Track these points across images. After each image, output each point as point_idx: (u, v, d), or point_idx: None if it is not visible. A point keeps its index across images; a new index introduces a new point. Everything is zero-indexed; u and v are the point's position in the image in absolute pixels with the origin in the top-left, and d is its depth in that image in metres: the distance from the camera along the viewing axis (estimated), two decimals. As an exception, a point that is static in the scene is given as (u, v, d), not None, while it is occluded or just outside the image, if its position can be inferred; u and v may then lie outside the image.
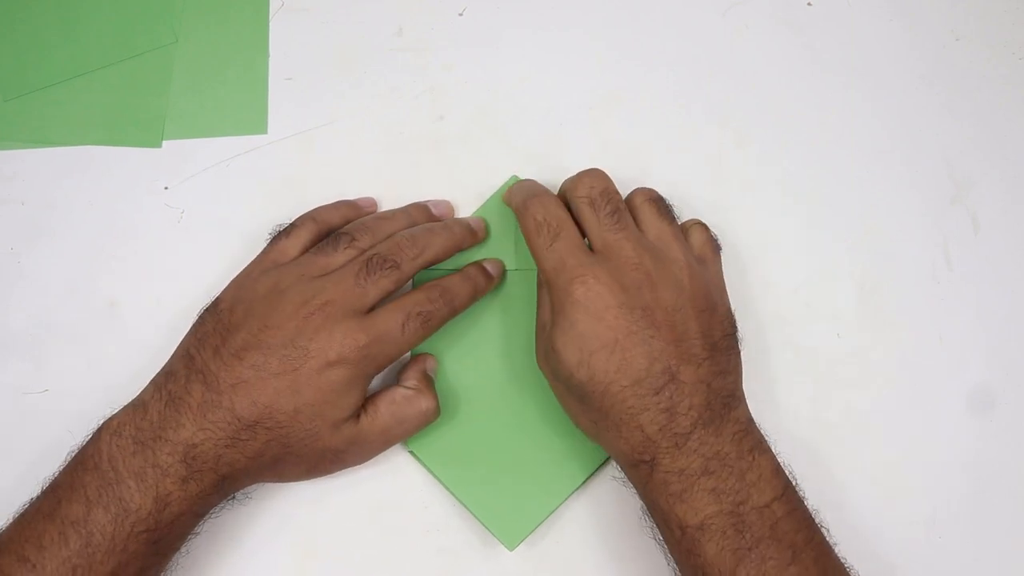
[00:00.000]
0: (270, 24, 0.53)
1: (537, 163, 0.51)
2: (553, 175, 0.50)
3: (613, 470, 0.45)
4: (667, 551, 0.40)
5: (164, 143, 0.51)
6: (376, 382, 0.46)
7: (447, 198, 0.49)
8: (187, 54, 0.52)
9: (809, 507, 0.40)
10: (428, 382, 0.45)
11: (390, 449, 0.46)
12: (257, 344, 0.40)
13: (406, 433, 0.44)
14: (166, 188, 0.50)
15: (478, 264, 0.47)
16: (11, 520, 0.39)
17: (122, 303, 0.48)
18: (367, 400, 0.43)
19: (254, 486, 0.45)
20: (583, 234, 0.43)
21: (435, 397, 0.44)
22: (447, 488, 0.45)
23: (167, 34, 0.52)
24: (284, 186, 0.50)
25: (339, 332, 0.40)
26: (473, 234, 0.47)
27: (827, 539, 0.39)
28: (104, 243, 0.49)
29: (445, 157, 0.51)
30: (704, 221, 0.47)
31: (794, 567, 0.37)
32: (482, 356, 0.47)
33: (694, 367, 0.40)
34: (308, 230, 0.45)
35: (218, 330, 0.41)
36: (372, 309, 0.42)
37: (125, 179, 0.50)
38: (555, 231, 0.42)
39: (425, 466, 0.46)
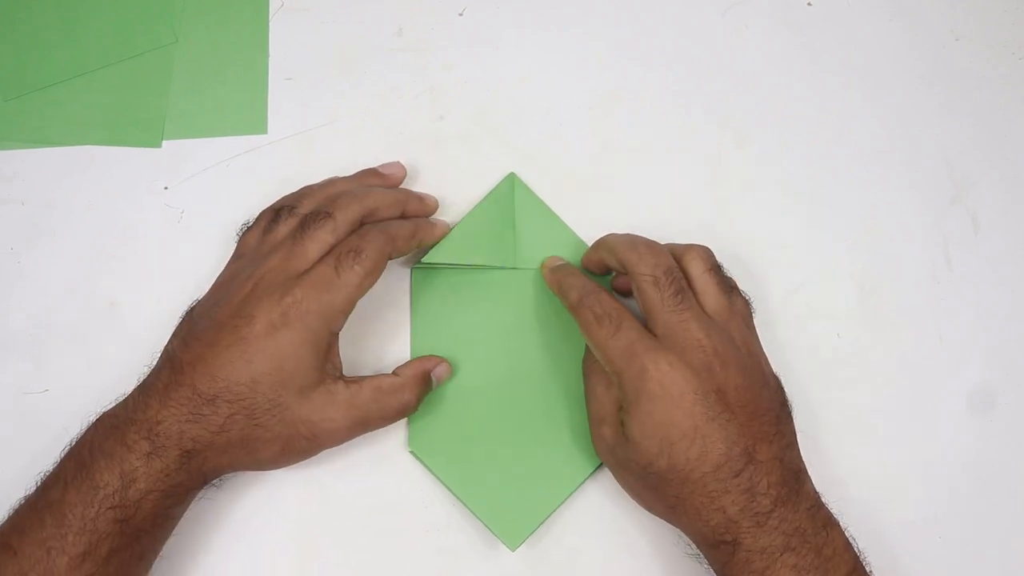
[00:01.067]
0: (270, 24, 0.53)
1: (537, 163, 0.51)
2: (552, 175, 0.50)
3: (681, 544, 0.44)
4: None
5: (164, 143, 0.51)
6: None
7: (448, 198, 0.49)
8: (187, 54, 0.52)
9: None
10: (419, 379, 0.44)
11: (390, 449, 0.46)
12: (211, 324, 0.41)
13: (382, 420, 0.43)
14: (166, 188, 0.50)
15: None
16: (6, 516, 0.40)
17: (122, 303, 0.48)
18: (353, 379, 0.43)
19: (250, 486, 0.45)
20: (644, 314, 0.42)
21: (417, 394, 0.44)
22: (449, 488, 0.45)
23: (167, 34, 0.52)
24: (284, 186, 0.50)
25: (278, 293, 0.40)
26: (419, 199, 0.47)
27: None
28: (104, 243, 0.49)
29: (445, 157, 0.51)
30: (740, 284, 0.45)
31: None
32: (483, 356, 0.47)
33: (767, 444, 0.40)
34: (265, 218, 0.46)
35: (186, 322, 0.43)
36: None
37: (125, 179, 0.50)
38: (617, 321, 0.41)
39: (426, 466, 0.46)
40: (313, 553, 0.45)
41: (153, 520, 0.40)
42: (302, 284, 0.41)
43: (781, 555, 0.38)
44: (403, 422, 0.46)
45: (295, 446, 0.42)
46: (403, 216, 0.46)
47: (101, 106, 0.51)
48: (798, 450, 0.42)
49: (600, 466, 0.46)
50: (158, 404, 0.39)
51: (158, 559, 0.41)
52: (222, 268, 0.46)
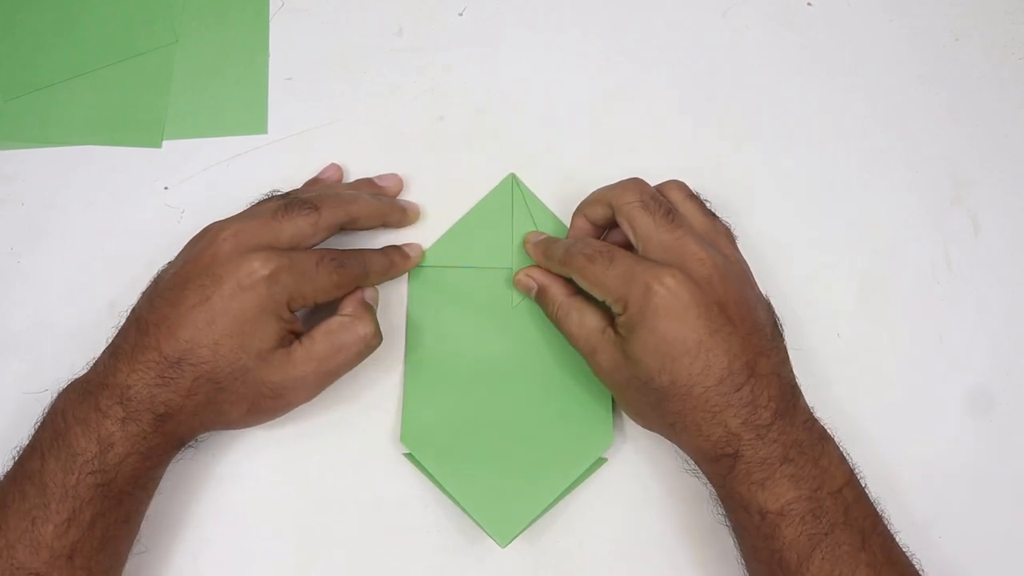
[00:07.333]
0: (270, 24, 0.53)
1: (537, 163, 0.51)
2: (552, 175, 0.50)
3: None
4: (737, 537, 0.41)
5: (164, 143, 0.51)
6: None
7: (447, 198, 0.50)
8: (187, 54, 0.52)
9: (871, 495, 0.41)
10: (366, 309, 0.44)
11: (389, 449, 0.46)
12: (178, 281, 0.41)
13: (347, 362, 0.43)
14: (166, 188, 0.50)
15: (397, 246, 0.48)
16: None
17: (122, 303, 0.48)
18: (304, 333, 0.43)
19: (249, 487, 0.45)
20: (636, 241, 0.42)
21: (373, 322, 0.43)
22: (440, 486, 0.45)
23: (167, 34, 0.53)
24: (284, 186, 0.50)
25: (249, 257, 0.41)
26: (402, 211, 0.48)
27: (889, 527, 0.40)
28: (104, 243, 0.49)
29: (445, 157, 0.51)
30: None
31: (864, 553, 0.38)
32: (478, 355, 0.47)
33: (766, 358, 0.40)
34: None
35: (154, 280, 0.43)
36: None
37: (125, 179, 0.50)
38: (609, 255, 0.42)
39: (419, 465, 0.46)
40: (314, 552, 0.45)
41: (134, 482, 0.40)
42: (278, 256, 0.41)
43: (780, 465, 0.39)
44: (397, 422, 0.46)
45: (261, 406, 0.42)
46: (385, 225, 0.48)
47: (101, 106, 0.51)
48: (791, 367, 0.42)
49: (593, 465, 0.46)
50: (127, 368, 0.40)
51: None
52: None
